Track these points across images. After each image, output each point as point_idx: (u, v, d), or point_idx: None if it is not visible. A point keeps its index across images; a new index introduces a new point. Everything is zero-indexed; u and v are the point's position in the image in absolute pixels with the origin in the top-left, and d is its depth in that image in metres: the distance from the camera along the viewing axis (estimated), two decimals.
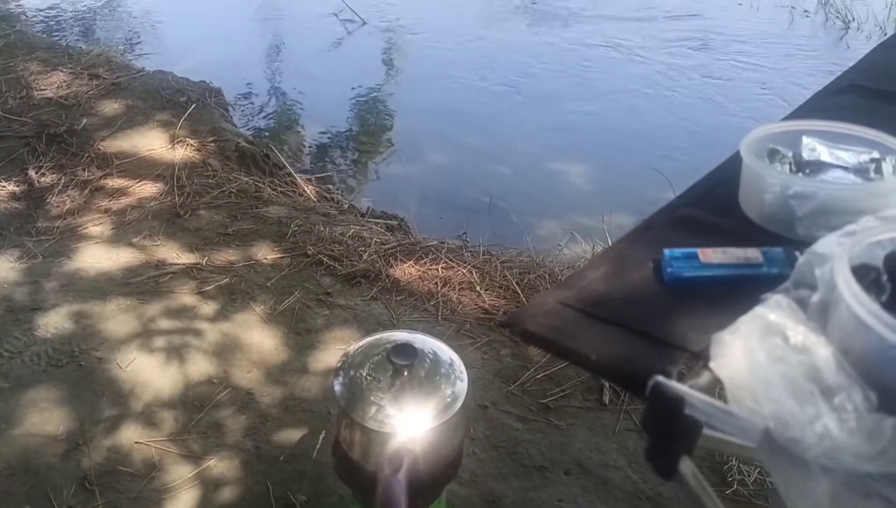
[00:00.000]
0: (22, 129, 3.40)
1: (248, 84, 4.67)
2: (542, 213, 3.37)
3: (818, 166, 1.07)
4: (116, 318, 2.25)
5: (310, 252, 2.57)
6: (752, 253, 0.95)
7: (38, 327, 2.21)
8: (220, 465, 1.80)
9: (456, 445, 1.37)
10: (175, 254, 2.57)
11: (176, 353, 2.12)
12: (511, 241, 2.92)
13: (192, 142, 3.32)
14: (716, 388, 0.77)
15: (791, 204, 0.99)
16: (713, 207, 1.11)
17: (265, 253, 2.59)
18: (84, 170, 3.08)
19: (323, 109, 4.47)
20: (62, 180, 3.00)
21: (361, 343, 1.40)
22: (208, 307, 2.31)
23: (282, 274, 2.48)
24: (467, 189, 3.58)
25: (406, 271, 2.51)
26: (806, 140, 1.11)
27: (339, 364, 1.37)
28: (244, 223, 2.78)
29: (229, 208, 2.87)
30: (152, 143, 3.32)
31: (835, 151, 1.09)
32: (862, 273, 0.75)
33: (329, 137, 4.18)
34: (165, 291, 2.37)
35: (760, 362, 0.70)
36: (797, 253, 0.87)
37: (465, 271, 2.50)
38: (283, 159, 3.47)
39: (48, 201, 2.89)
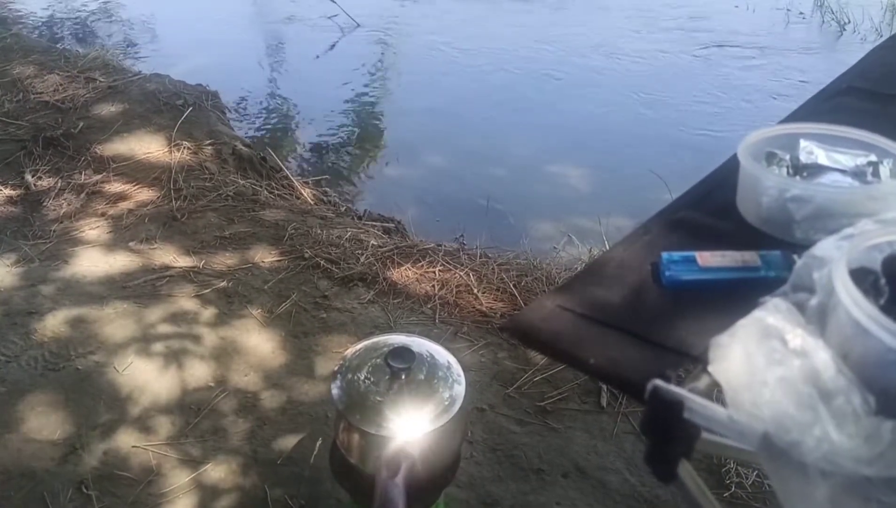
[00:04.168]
0: (18, 132, 3.39)
1: (244, 87, 4.67)
2: (538, 215, 3.37)
3: (816, 170, 1.08)
4: (114, 322, 2.24)
5: (307, 255, 2.57)
6: (750, 256, 0.95)
7: (34, 331, 2.20)
8: (217, 469, 1.80)
9: (454, 448, 1.37)
10: (172, 258, 2.57)
11: (173, 357, 2.12)
12: (508, 243, 2.92)
13: (188, 145, 3.32)
14: (715, 392, 0.77)
15: (789, 207, 0.99)
16: (711, 210, 1.11)
17: (262, 256, 2.59)
18: (81, 173, 3.08)
19: (319, 112, 4.47)
20: (59, 184, 2.99)
21: (359, 347, 1.40)
22: (206, 311, 2.31)
23: (279, 277, 2.48)
24: (464, 192, 3.58)
25: (403, 273, 2.51)
26: (803, 143, 1.11)
27: (336, 368, 1.36)
28: (241, 227, 2.77)
29: (226, 212, 2.87)
30: (149, 146, 3.32)
31: (832, 154, 1.09)
32: (860, 277, 0.75)
33: (325, 140, 4.18)
34: (163, 294, 2.37)
35: (759, 365, 0.70)
36: (795, 256, 0.86)
37: (462, 273, 2.50)
38: (279, 162, 3.47)
39: (45, 204, 2.88)
